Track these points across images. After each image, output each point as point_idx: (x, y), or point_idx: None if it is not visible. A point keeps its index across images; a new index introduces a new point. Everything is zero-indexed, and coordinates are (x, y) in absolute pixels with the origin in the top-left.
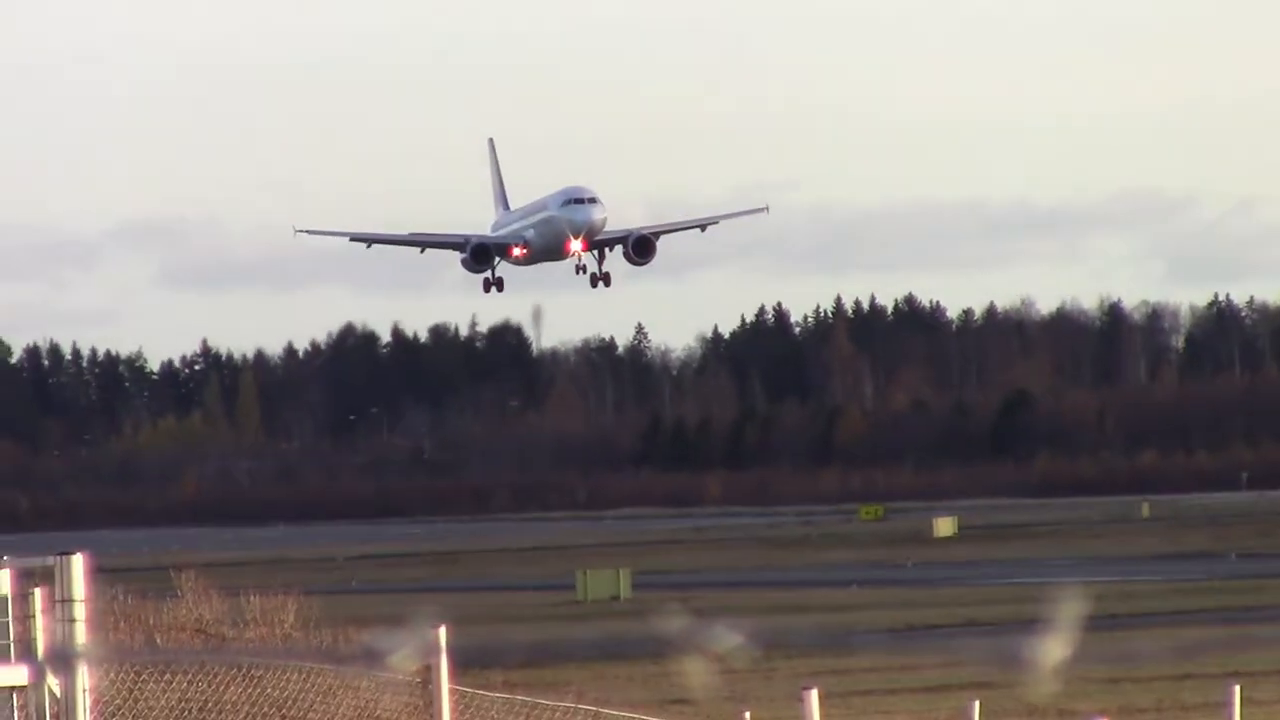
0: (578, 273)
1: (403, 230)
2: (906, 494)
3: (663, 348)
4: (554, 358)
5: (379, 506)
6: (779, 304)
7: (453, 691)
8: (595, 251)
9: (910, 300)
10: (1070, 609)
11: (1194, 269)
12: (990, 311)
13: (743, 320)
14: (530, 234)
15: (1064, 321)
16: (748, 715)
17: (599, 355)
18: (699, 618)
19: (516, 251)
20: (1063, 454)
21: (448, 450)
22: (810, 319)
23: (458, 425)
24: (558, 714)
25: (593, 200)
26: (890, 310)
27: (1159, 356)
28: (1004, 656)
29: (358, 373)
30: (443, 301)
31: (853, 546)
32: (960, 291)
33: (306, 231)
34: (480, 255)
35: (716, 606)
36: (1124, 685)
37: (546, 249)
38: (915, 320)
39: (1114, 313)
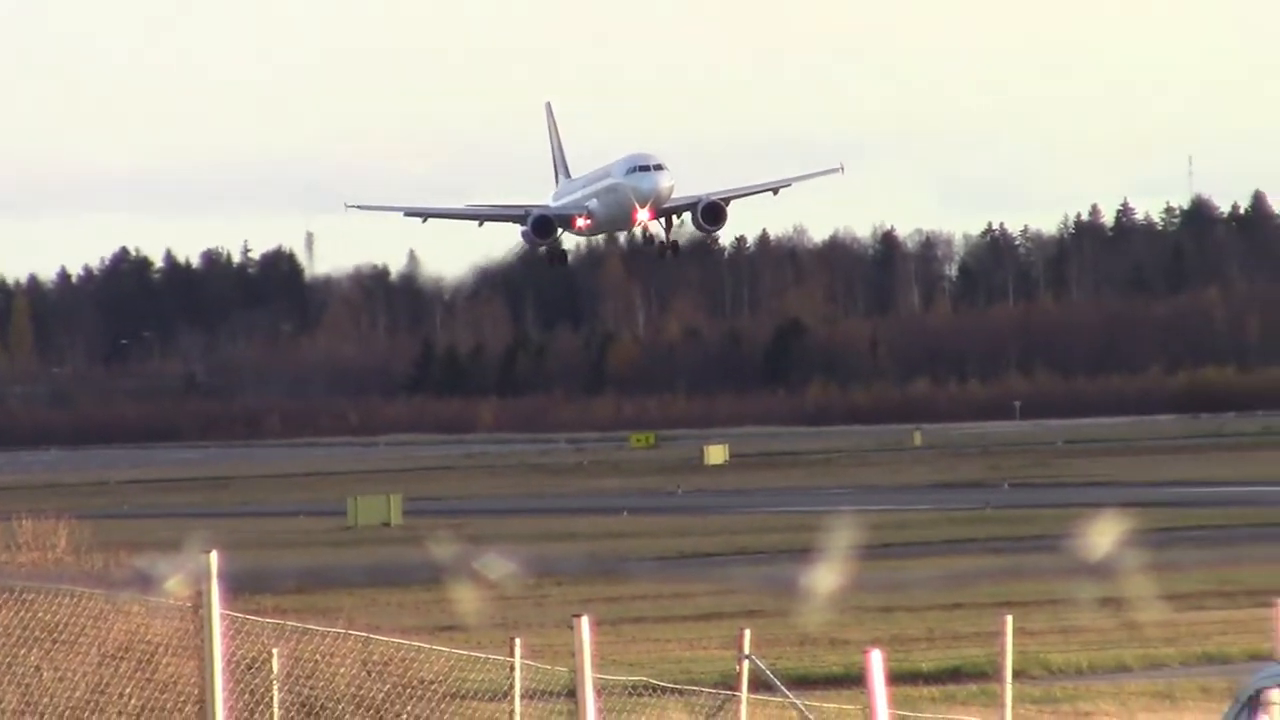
0: (644, 242)
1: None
2: (679, 422)
3: (436, 275)
4: (327, 284)
5: (151, 431)
6: None
7: (224, 617)
8: (663, 219)
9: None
10: (842, 538)
11: (968, 197)
12: (763, 239)
13: (515, 247)
14: (594, 204)
15: (837, 250)
16: (518, 642)
17: (372, 282)
18: (470, 544)
19: (580, 223)
20: (836, 382)
21: (220, 375)
22: (583, 246)
23: (230, 350)
24: (328, 640)
25: (659, 167)
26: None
27: (932, 285)
28: (776, 584)
29: (131, 298)
30: (216, 226)
31: (624, 474)
32: (733, 219)
33: (358, 207)
34: (542, 228)
35: (488, 533)
36: (896, 614)
37: (611, 219)
38: (687, 248)
39: (887, 241)
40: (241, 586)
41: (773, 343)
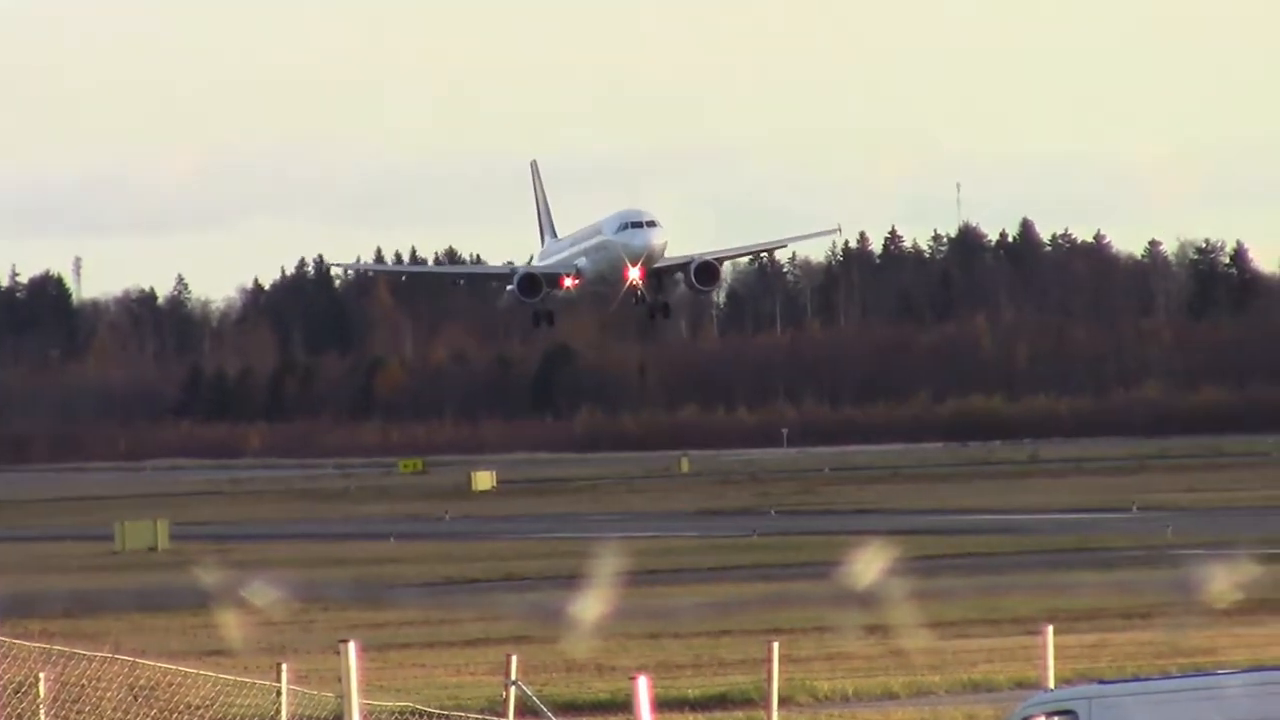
0: (635, 304)
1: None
2: (447, 447)
3: (203, 299)
4: (95, 308)
5: None
6: (320, 256)
7: None
8: (654, 280)
9: (451, 253)
10: (609, 564)
11: (739, 224)
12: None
13: (283, 272)
14: (583, 262)
15: None
16: (285, 667)
17: (140, 306)
18: (237, 570)
19: (568, 282)
20: (604, 409)
21: None
22: (351, 272)
23: None
24: (95, 664)
25: (651, 223)
26: (431, 263)
27: (701, 312)
28: (543, 611)
29: None
30: None
31: (392, 499)
32: (503, 245)
33: (340, 266)
34: (529, 286)
35: (255, 559)
36: (663, 641)
37: (601, 277)
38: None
39: None
40: (8, 611)
41: (541, 368)
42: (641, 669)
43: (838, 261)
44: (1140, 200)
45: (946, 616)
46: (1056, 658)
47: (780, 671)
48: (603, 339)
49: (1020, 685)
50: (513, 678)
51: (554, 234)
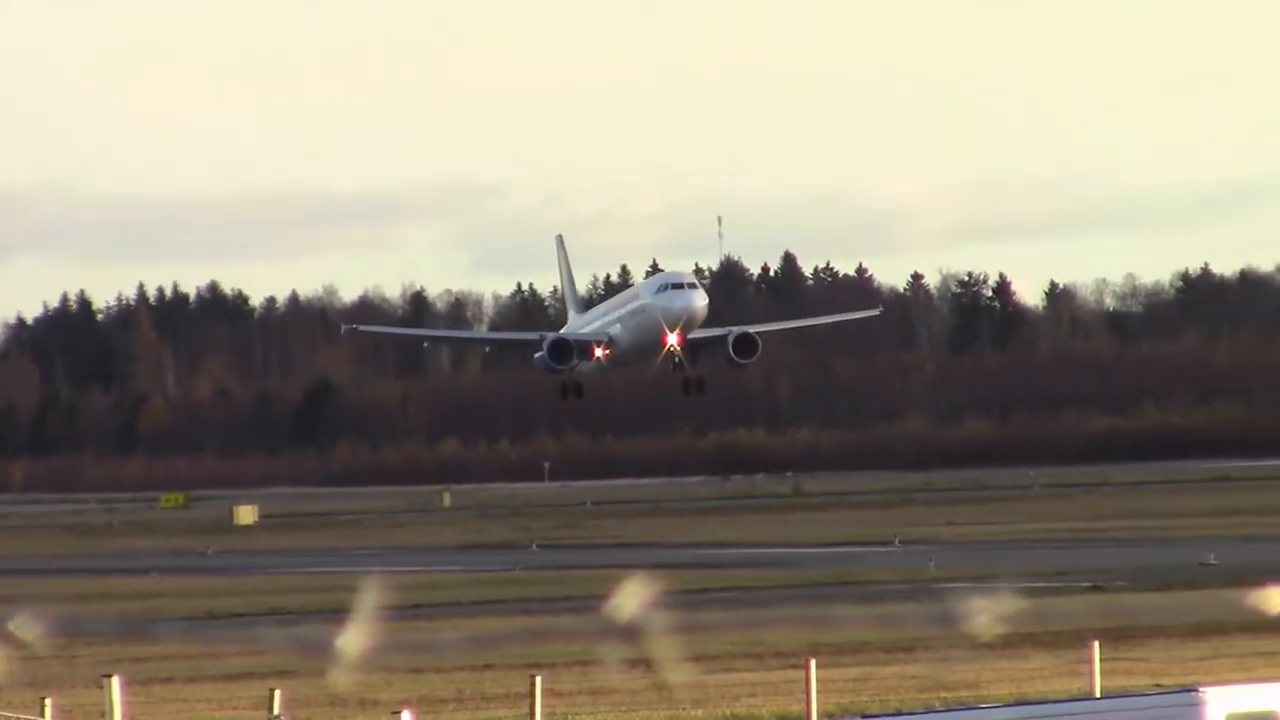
0: (673, 370)
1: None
2: (209, 482)
3: None
4: None
5: None
6: (82, 291)
7: None
8: (689, 352)
9: (214, 288)
10: (371, 598)
11: (499, 259)
12: (293, 300)
13: (45, 307)
14: (617, 329)
15: (367, 310)
16: (49, 702)
17: None
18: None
19: (599, 351)
20: (366, 443)
21: None
22: (114, 306)
23: None
24: None
25: (693, 285)
26: (193, 298)
27: (462, 346)
28: (306, 645)
29: None
30: None
31: (155, 534)
32: (267, 280)
33: (356, 328)
34: (559, 352)
35: (18, 594)
36: (426, 675)
37: (636, 346)
38: (219, 308)
39: (417, 302)
40: None
41: (303, 403)
42: (405, 703)
43: (599, 296)
44: (902, 234)
45: (710, 650)
46: (820, 691)
47: (543, 705)
48: (363, 372)
49: (783, 719)
50: (276, 712)
51: (579, 307)
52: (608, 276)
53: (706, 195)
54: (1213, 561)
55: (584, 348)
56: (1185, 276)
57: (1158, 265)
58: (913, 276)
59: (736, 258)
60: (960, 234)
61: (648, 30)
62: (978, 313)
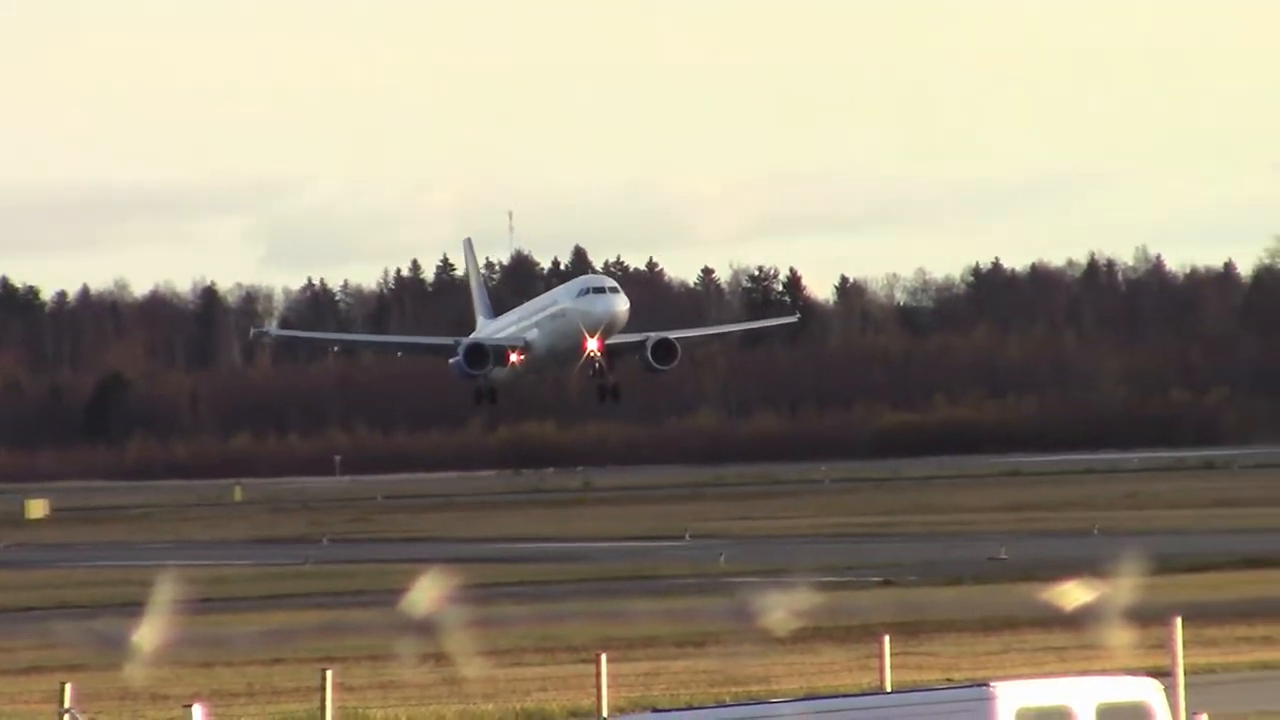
0: (592, 376)
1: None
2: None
3: None
4: None
5: None
6: None
7: None
8: (604, 358)
9: (5, 282)
10: (163, 592)
11: (291, 253)
12: (84, 294)
13: None
14: (533, 334)
15: (158, 305)
16: None
17: None
18: None
19: (514, 357)
20: (157, 437)
21: None
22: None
23: None
24: None
25: (614, 289)
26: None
27: (254, 340)
28: (97, 639)
29: None
30: None
31: None
32: (59, 274)
33: (280, 334)
34: (475, 357)
35: None
36: (217, 669)
37: (554, 352)
38: (10, 302)
39: (208, 296)
40: None
41: (94, 397)
42: (195, 697)
43: (390, 289)
44: (693, 228)
45: (501, 644)
46: (611, 686)
47: (334, 699)
48: (154, 366)
49: (575, 714)
50: (66, 706)
51: (489, 312)
52: (399, 270)
53: (498, 189)
54: (1003, 556)
55: (499, 353)
56: (976, 271)
57: (948, 260)
58: (703, 271)
59: (527, 251)
60: (751, 228)
61: (440, 23)
62: (769, 307)
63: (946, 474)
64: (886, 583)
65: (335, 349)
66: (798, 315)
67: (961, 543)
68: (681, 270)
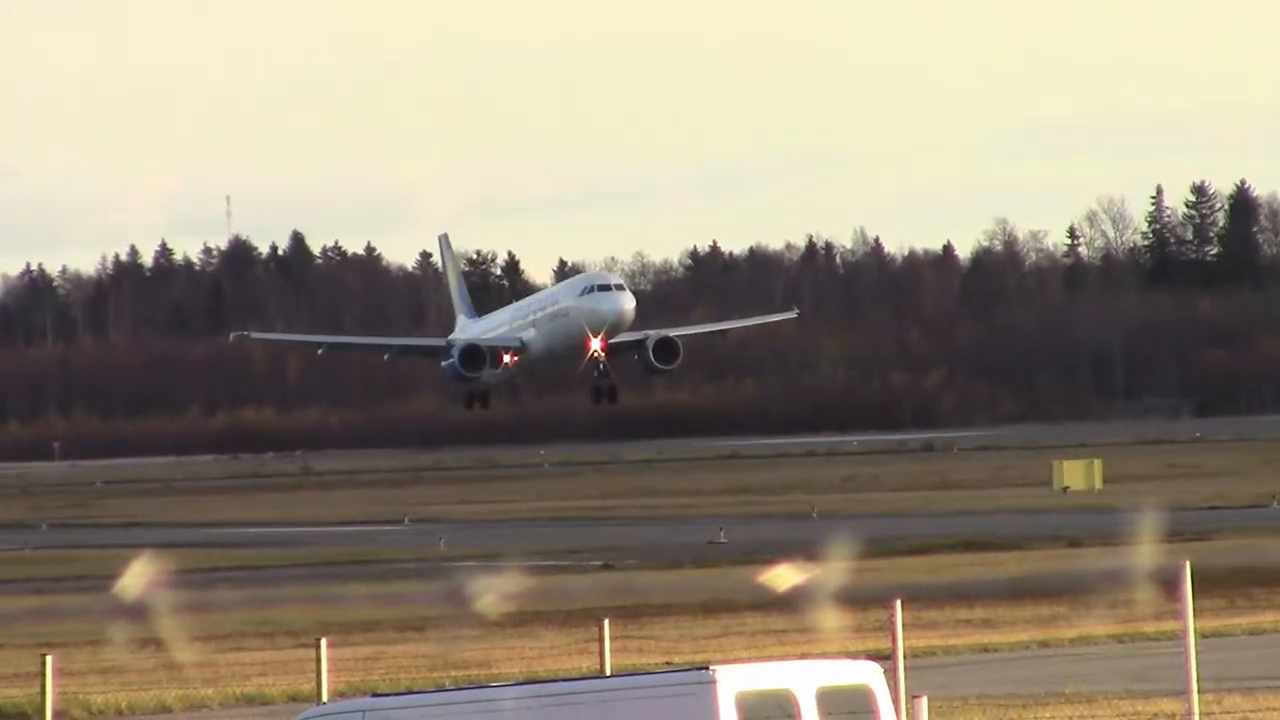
0: (596, 377)
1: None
2: None
3: None
4: None
5: None
6: None
7: None
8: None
9: None
10: None
11: (7, 237)
12: None
13: None
14: (530, 335)
15: None
16: None
17: None
18: None
19: (507, 358)
20: None
21: None
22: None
23: None
24: None
25: (620, 287)
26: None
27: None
28: None
29: None
30: None
31: None
32: None
33: (259, 336)
34: (471, 359)
35: None
36: None
37: (551, 353)
38: None
39: None
40: None
41: None
42: None
43: (108, 275)
44: (411, 212)
45: (220, 629)
46: (331, 670)
47: (54, 685)
48: None
49: (295, 698)
50: None
51: (470, 311)
52: (117, 256)
53: (215, 175)
54: (723, 540)
55: (494, 354)
56: (694, 254)
57: (667, 243)
58: (422, 255)
59: (245, 237)
60: (469, 212)
61: (153, 9)
62: (487, 291)
63: (666, 458)
64: (606, 566)
65: (320, 350)
66: (795, 311)
67: (681, 526)
68: (400, 255)
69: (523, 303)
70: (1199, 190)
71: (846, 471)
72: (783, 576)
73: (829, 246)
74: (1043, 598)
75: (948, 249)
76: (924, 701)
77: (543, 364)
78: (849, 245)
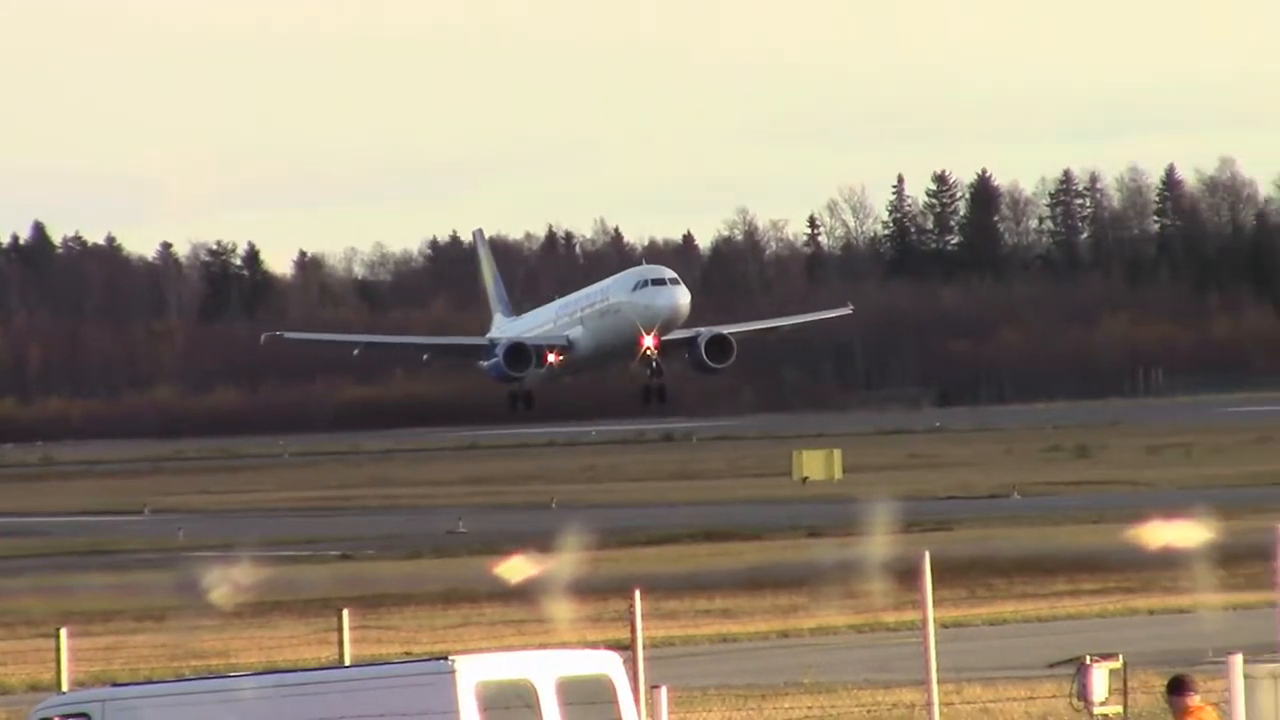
0: (650, 376)
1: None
2: None
3: None
4: None
5: None
6: None
7: None
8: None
9: None
10: None
11: None
12: None
13: None
14: (577, 332)
15: None
16: None
17: None
18: None
19: (553, 358)
20: None
21: None
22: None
23: None
24: None
25: (675, 281)
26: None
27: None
28: None
29: None
30: None
31: None
32: None
33: (293, 337)
34: (516, 358)
35: None
36: None
37: (602, 350)
38: None
39: None
40: None
41: None
42: None
43: None
44: (152, 203)
45: None
46: (71, 660)
47: None
48: None
49: (34, 688)
50: None
51: (509, 309)
52: None
53: None
54: (462, 530)
55: (539, 354)
56: (434, 244)
57: (406, 234)
58: (162, 245)
59: None
60: (209, 203)
61: None
62: (228, 281)
63: (405, 448)
64: (345, 556)
65: (356, 351)
66: (850, 307)
67: (421, 516)
68: (140, 245)
69: (568, 299)
70: (940, 180)
71: (586, 461)
72: (521, 567)
73: (569, 236)
74: (782, 588)
75: (688, 238)
76: (663, 691)
77: (591, 361)
78: (589, 235)
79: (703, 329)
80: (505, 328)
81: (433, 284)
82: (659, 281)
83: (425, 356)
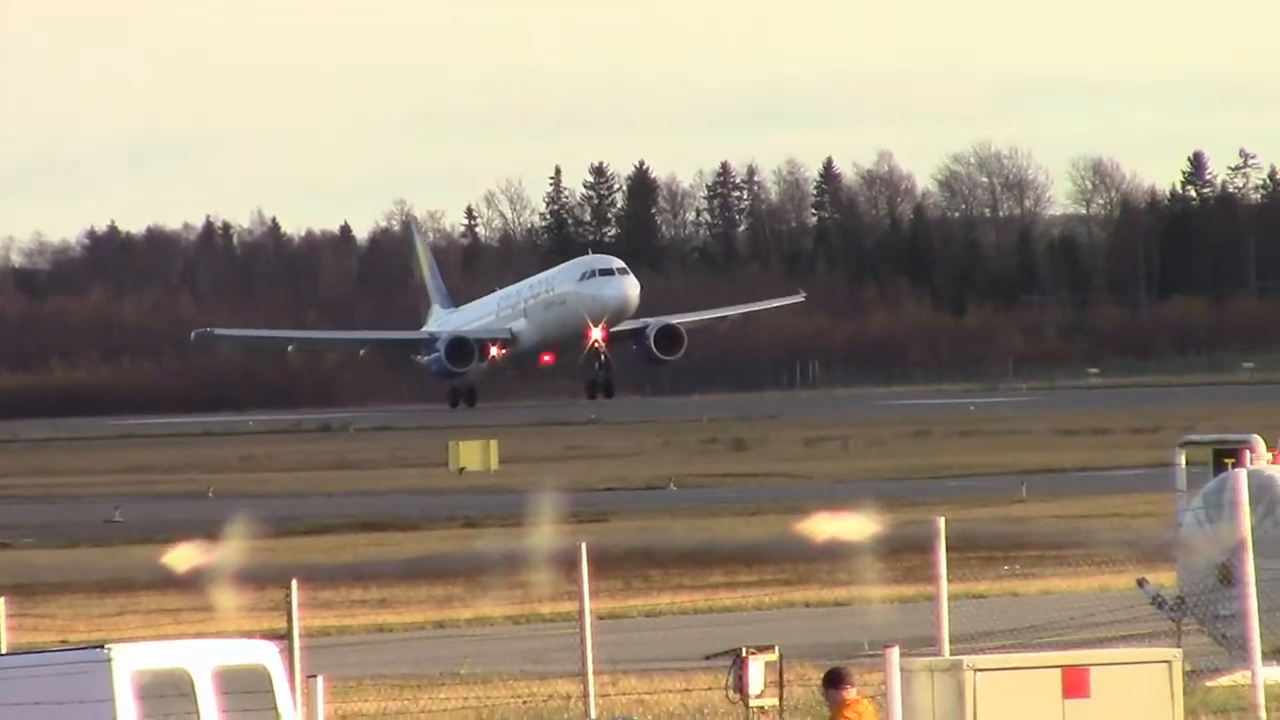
0: (598, 369)
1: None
2: None
3: None
4: None
5: None
6: None
7: None
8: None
9: None
10: None
11: None
12: None
13: None
14: (520, 325)
15: None
16: None
17: None
18: None
19: (495, 351)
20: None
21: None
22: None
23: None
24: None
25: (623, 270)
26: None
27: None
28: None
29: None
30: None
31: None
32: None
33: (228, 335)
34: (459, 353)
35: None
36: None
37: (546, 344)
38: None
39: None
40: None
41: None
42: None
43: None
44: None
45: None
46: None
47: None
48: None
49: None
50: None
51: (447, 301)
52: None
53: None
54: (118, 518)
55: (481, 348)
56: (92, 234)
57: (65, 223)
58: None
59: None
60: None
61: None
62: None
63: (62, 436)
64: (2, 545)
65: (290, 348)
66: (803, 295)
67: (77, 505)
68: None
69: (510, 290)
70: (598, 172)
71: (243, 450)
72: (180, 556)
73: (227, 226)
74: (439, 578)
75: (345, 229)
76: (320, 681)
77: (533, 356)
78: (246, 225)
79: (651, 320)
80: (445, 320)
81: (90, 274)
82: (607, 271)
83: (362, 352)
